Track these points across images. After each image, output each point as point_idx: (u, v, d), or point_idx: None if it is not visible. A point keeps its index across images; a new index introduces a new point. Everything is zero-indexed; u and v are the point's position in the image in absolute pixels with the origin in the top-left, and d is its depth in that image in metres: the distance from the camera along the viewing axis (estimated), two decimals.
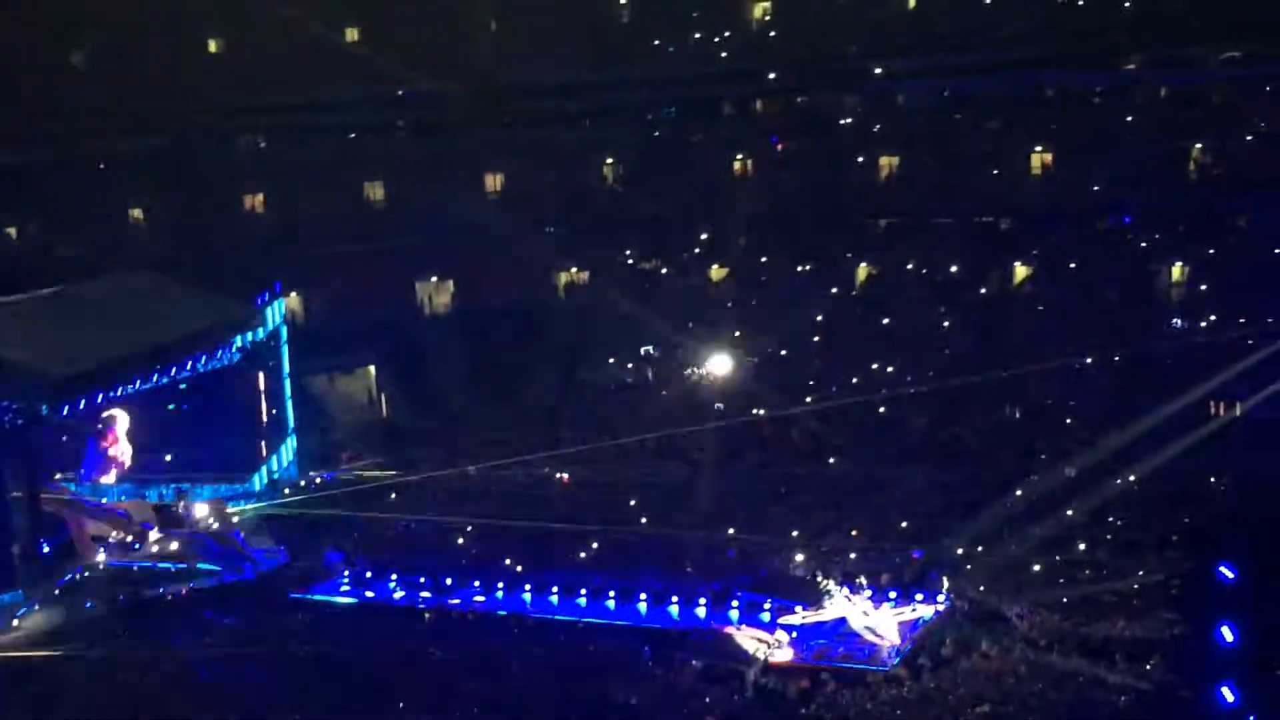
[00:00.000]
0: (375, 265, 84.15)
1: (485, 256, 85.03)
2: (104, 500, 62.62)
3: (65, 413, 58.79)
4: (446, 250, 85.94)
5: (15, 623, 53.51)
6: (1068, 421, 68.02)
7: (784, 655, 49.19)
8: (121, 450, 64.17)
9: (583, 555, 57.67)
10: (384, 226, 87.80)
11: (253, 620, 54.22)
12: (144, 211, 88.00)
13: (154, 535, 60.06)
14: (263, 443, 66.11)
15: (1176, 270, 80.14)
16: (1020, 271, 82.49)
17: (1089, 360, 72.86)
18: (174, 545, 59.49)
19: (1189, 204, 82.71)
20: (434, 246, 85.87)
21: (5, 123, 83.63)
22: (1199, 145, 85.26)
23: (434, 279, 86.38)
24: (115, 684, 49.12)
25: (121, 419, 63.57)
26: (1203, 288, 78.17)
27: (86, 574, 57.46)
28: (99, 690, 48.72)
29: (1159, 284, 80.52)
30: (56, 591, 55.72)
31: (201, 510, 61.74)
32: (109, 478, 63.97)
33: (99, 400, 58.92)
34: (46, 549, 57.31)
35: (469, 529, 60.58)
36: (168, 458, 64.38)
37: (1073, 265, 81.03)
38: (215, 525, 61.03)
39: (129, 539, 59.94)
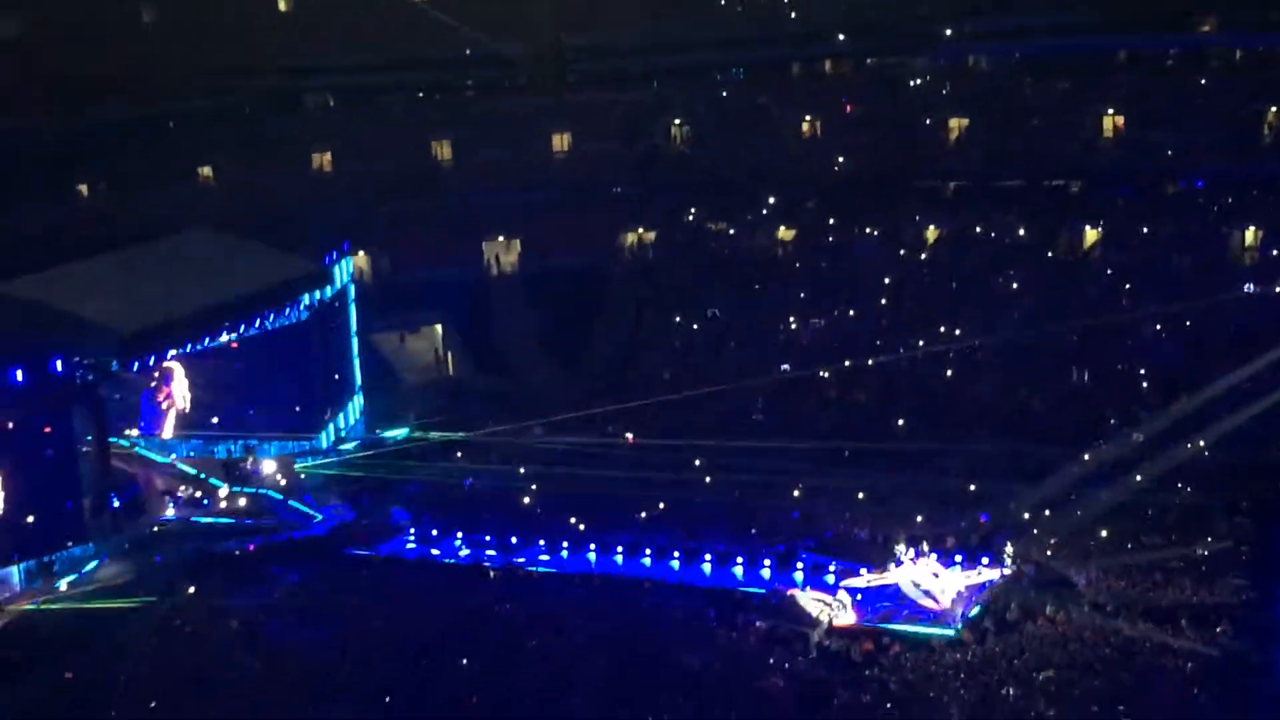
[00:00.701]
0: (443, 224, 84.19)
1: (552, 216, 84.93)
2: (173, 456, 63.09)
3: (134, 369, 59.39)
4: (513, 210, 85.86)
5: (86, 575, 54.03)
6: (1137, 386, 67.43)
7: (848, 618, 49.24)
8: (177, 402, 64.53)
9: (647, 515, 57.63)
10: (451, 186, 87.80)
11: (319, 576, 54.63)
12: (213, 170, 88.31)
13: (222, 491, 60.51)
14: (330, 400, 66.36)
15: (1249, 235, 79.21)
16: (1090, 235, 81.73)
17: (1158, 325, 72.33)
18: (242, 501, 59.94)
19: (1262, 168, 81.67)
20: (501, 206, 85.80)
21: (76, 83, 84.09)
22: (1274, 109, 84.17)
23: (501, 238, 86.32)
24: (182, 637, 49.67)
25: (178, 371, 63.89)
26: (1275, 253, 77.24)
27: (156, 528, 57.93)
28: (167, 642, 49.28)
29: (1230, 249, 79.60)
30: (126, 545, 56.21)
31: (269, 467, 62.18)
32: (166, 429, 64.39)
33: (168, 357, 59.32)
34: (116, 503, 57.88)
35: (534, 488, 60.69)
36: (235, 415, 64.58)
37: (1143, 229, 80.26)
38: (282, 482, 61.45)
39: (198, 494, 60.44)
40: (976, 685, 44.46)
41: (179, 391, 64.43)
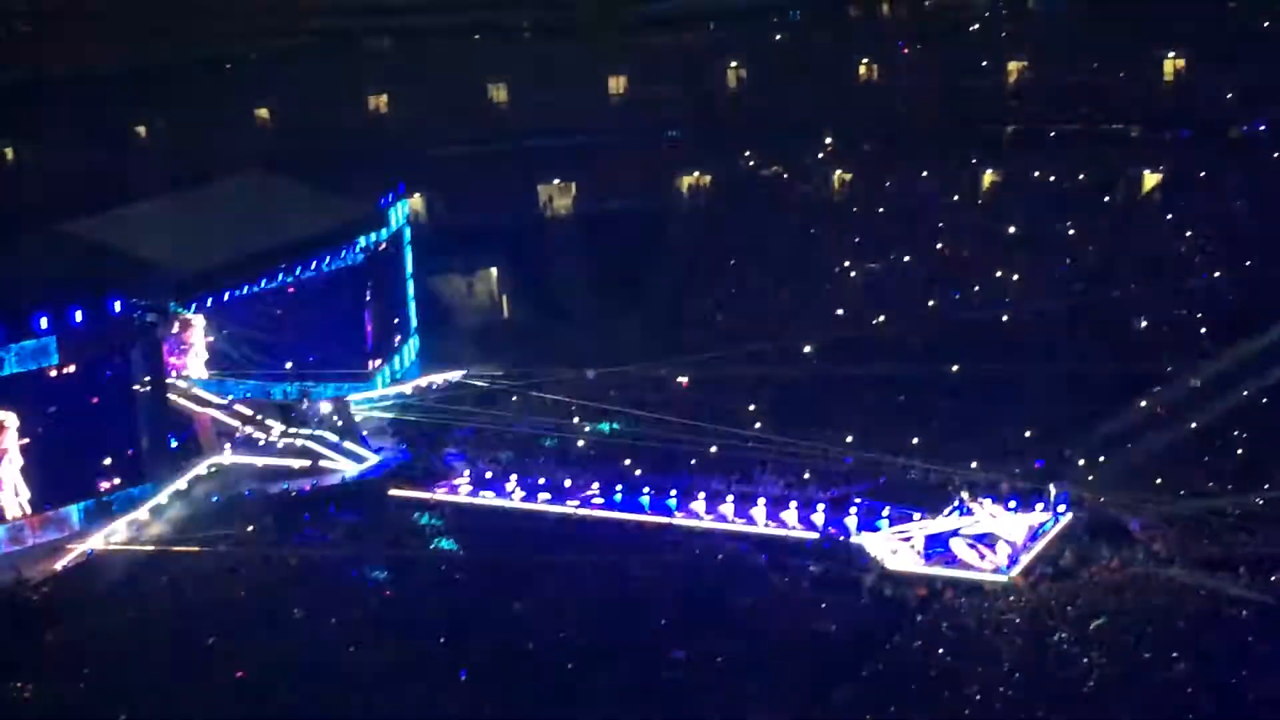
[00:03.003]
0: (498, 167, 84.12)
1: (607, 159, 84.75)
2: (230, 397, 63.42)
3: (193, 310, 59.72)
4: (569, 152, 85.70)
5: (145, 515, 54.49)
6: (1194, 332, 66.95)
7: (902, 562, 49.23)
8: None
9: (701, 460, 57.67)
10: (507, 128, 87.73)
11: (374, 517, 54.94)
12: (270, 112, 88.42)
13: (278, 432, 60.84)
14: (385, 343, 66.53)
15: None
16: (1149, 179, 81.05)
17: (1218, 271, 71.76)
18: (298, 443, 60.23)
19: None
20: (556, 149, 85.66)
21: (133, 25, 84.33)
22: None
23: (556, 181, 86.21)
24: (239, 576, 50.10)
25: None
26: None
27: (213, 469, 58.33)
28: (224, 582, 49.70)
29: None
30: (184, 486, 56.63)
31: (324, 408, 62.41)
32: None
33: (225, 298, 59.60)
34: (174, 444, 58.28)
35: (588, 431, 60.78)
36: (291, 357, 64.77)
37: (1203, 174, 79.52)
38: (338, 423, 61.70)
39: (254, 435, 60.77)
40: (1030, 631, 44.40)
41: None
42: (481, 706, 41.51)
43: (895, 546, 49.73)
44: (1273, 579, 46.57)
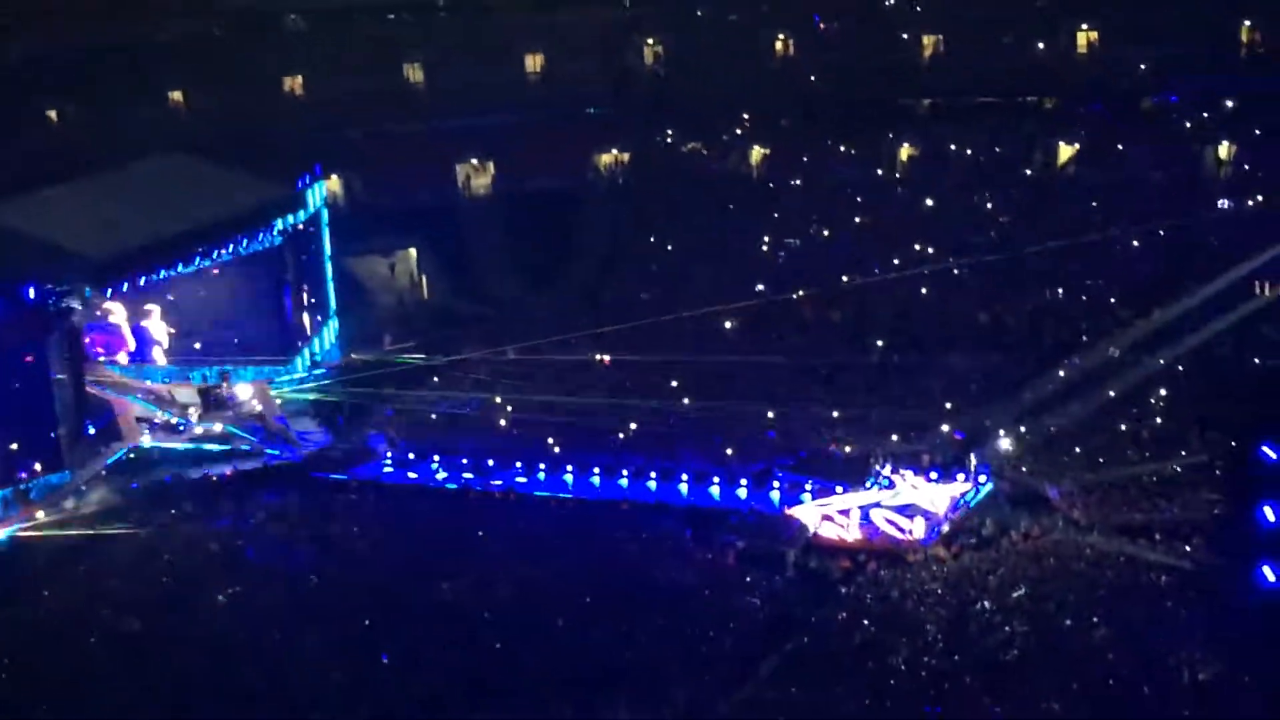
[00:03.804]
0: (415, 147, 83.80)
1: (525, 139, 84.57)
2: (148, 382, 62.90)
3: (108, 295, 59.16)
4: (486, 132, 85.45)
5: (63, 503, 54.04)
6: (1110, 301, 67.53)
7: (825, 535, 49.44)
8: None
9: (623, 436, 57.72)
10: (424, 108, 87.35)
11: (296, 501, 54.74)
12: (183, 95, 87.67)
13: (197, 416, 60.42)
14: (304, 326, 66.20)
15: (1224, 149, 79.16)
16: (1064, 151, 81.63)
17: (1133, 240, 72.40)
18: (218, 427, 59.85)
19: (1236, 83, 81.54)
20: (474, 128, 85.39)
21: (44, 9, 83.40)
22: (1247, 23, 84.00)
23: (474, 161, 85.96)
24: (161, 562, 49.77)
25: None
26: (1247, 167, 77.26)
27: (132, 455, 57.91)
28: (145, 568, 49.37)
29: (1205, 163, 79.56)
30: (103, 472, 56.19)
31: (245, 392, 62.02)
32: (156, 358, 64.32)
33: (140, 283, 59.06)
34: (92, 430, 57.80)
35: (510, 410, 60.75)
36: (210, 341, 64.35)
37: (1118, 145, 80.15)
38: (258, 407, 61.36)
39: (173, 420, 60.35)
40: (953, 601, 44.72)
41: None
42: (408, 688, 41.36)
43: (818, 520, 49.88)
44: (1190, 545, 47.08)
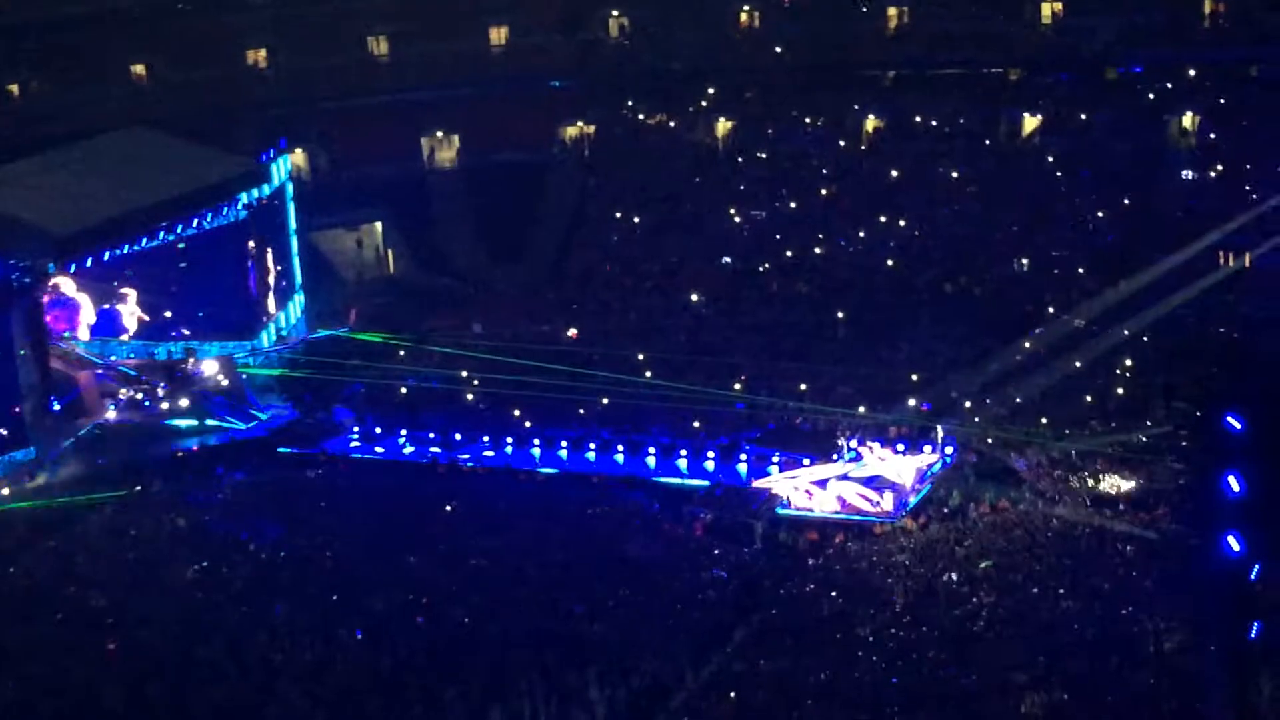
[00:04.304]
0: (380, 120, 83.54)
1: (490, 111, 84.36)
2: (113, 358, 62.72)
3: (71, 270, 58.90)
4: (451, 104, 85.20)
5: (28, 479, 53.86)
6: (1076, 272, 67.75)
7: (792, 507, 49.57)
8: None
9: (591, 410, 57.74)
10: (388, 81, 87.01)
11: (262, 475, 54.65)
12: (146, 68, 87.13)
13: (163, 392, 60.24)
14: (270, 300, 66.01)
15: (1187, 120, 79.34)
16: (1029, 122, 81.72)
17: (1097, 211, 72.61)
18: (184, 402, 59.70)
19: (1201, 54, 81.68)
20: (439, 101, 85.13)
21: None
22: None
23: (439, 134, 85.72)
24: (127, 538, 49.65)
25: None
26: (1212, 137, 77.47)
27: (97, 431, 57.74)
28: (111, 544, 49.24)
29: (1168, 135, 79.73)
30: (68, 448, 56.00)
31: (210, 367, 61.89)
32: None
33: (104, 257, 58.79)
34: (57, 406, 57.58)
35: (477, 384, 60.72)
36: (175, 316, 64.14)
37: (1082, 116, 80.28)
38: (224, 382, 61.21)
39: (139, 396, 60.17)
40: (920, 573, 44.89)
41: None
42: (379, 661, 41.34)
43: (785, 492, 50.00)
44: (1156, 514, 47.36)
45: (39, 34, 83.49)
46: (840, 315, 65.50)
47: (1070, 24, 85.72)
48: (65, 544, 49.25)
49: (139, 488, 53.24)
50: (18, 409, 55.09)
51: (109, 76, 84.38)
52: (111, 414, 59.02)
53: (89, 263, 58.66)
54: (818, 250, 72.34)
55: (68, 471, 54.68)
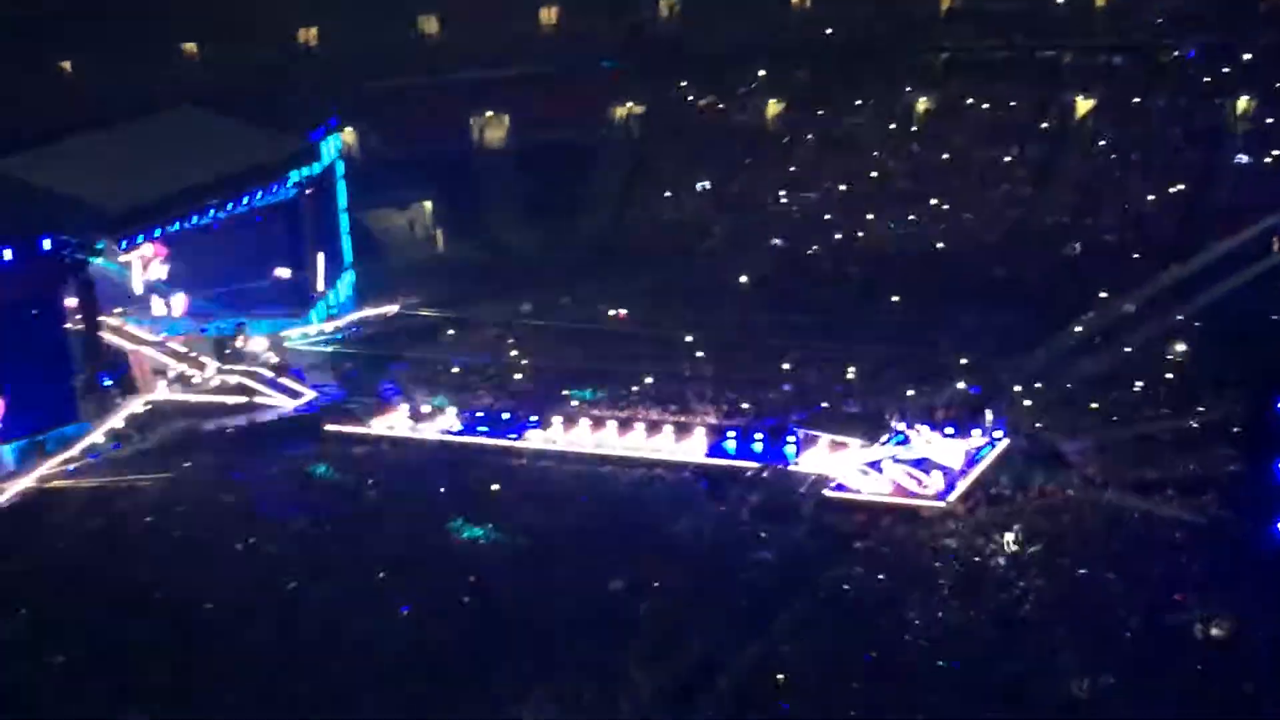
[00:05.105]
0: (430, 100, 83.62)
1: (540, 91, 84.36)
2: (164, 334, 63.01)
3: (124, 247, 59.20)
4: (501, 84, 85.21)
5: (78, 453, 54.19)
6: (1127, 257, 67.38)
7: (839, 489, 49.45)
8: None
9: (638, 390, 57.73)
10: (438, 60, 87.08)
11: (310, 452, 54.81)
12: (198, 46, 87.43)
13: (213, 369, 60.51)
14: (320, 278, 66.19)
15: (1242, 103, 78.76)
16: (1083, 105, 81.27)
17: (1150, 194, 72.19)
18: (233, 379, 59.93)
19: (1256, 37, 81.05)
20: (488, 80, 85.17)
21: None
22: None
23: (488, 113, 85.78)
24: (175, 514, 49.92)
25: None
26: (1269, 121, 76.89)
27: (148, 407, 58.04)
28: (160, 519, 49.53)
29: (1223, 118, 79.17)
30: (119, 424, 56.32)
31: (260, 344, 62.11)
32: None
33: (156, 235, 59.09)
34: (108, 382, 57.92)
35: (525, 363, 60.76)
36: (225, 293, 64.41)
37: (1135, 99, 79.80)
38: (273, 359, 61.45)
39: (188, 372, 60.43)
40: (967, 556, 44.74)
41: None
42: (423, 640, 41.45)
43: (833, 473, 49.88)
44: (1204, 500, 47.07)
45: (91, 12, 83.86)
46: (890, 297, 65.26)
47: (1124, 6, 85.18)
48: (115, 519, 49.52)
49: (188, 464, 53.45)
50: (70, 384, 55.51)
51: (161, 55, 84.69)
52: (162, 391, 59.29)
53: (140, 240, 59.00)
54: (867, 232, 72.13)
55: (118, 447, 54.94)
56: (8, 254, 52.43)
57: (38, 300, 54.31)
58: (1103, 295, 62.91)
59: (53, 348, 54.97)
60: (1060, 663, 38.74)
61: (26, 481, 52.34)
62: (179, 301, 63.98)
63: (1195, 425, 52.21)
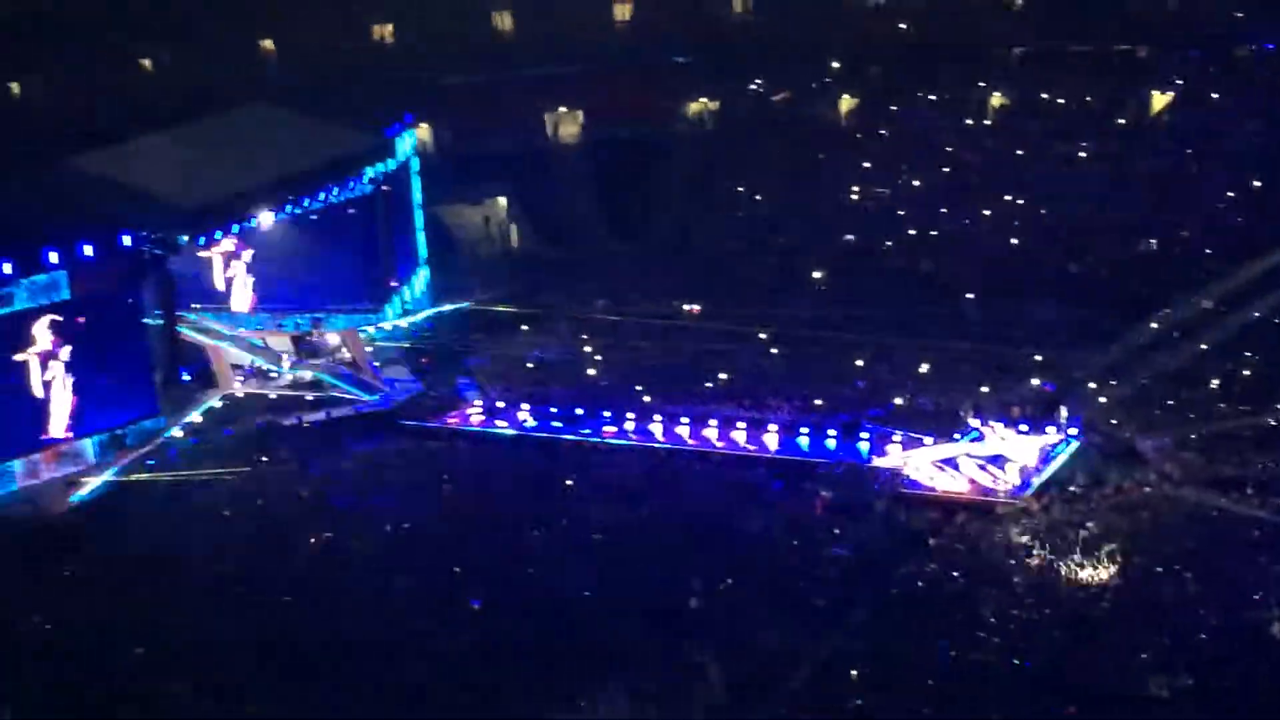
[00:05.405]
0: (505, 96, 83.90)
1: (613, 86, 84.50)
2: (241, 330, 63.46)
3: (201, 243, 59.70)
4: (575, 80, 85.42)
5: (158, 448, 54.72)
6: (1203, 253, 66.93)
7: (914, 486, 49.40)
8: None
9: (712, 386, 57.79)
10: (513, 57, 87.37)
11: (387, 447, 55.13)
12: (275, 43, 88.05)
13: (289, 364, 60.96)
14: (395, 274, 66.52)
15: None
16: (1158, 100, 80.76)
17: (1227, 191, 71.67)
18: (309, 374, 60.37)
19: None
20: (562, 76, 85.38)
21: None
22: None
23: (563, 109, 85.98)
24: (252, 509, 50.38)
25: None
26: None
27: (225, 401, 58.54)
28: (237, 514, 50.00)
29: None
30: (197, 418, 56.85)
31: (336, 340, 62.51)
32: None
33: (233, 230, 59.59)
34: (187, 377, 58.47)
35: (599, 360, 60.95)
36: (302, 289, 64.72)
37: (1212, 94, 79.22)
38: (349, 355, 61.83)
39: (266, 367, 60.92)
40: (1043, 553, 44.60)
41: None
42: (494, 635, 41.67)
43: (907, 470, 49.83)
44: None
45: (169, 9, 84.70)
46: (964, 294, 65.06)
47: (1201, 1, 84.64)
48: (193, 513, 50.01)
49: (264, 459, 53.93)
50: (149, 378, 56.11)
51: (237, 51, 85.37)
52: (239, 385, 59.79)
53: (218, 236, 59.52)
54: (941, 229, 71.91)
55: (197, 441, 55.48)
56: (89, 250, 52.94)
57: (118, 295, 54.83)
58: (1178, 291, 62.47)
59: (132, 342, 55.48)
60: (1136, 663, 38.63)
61: (106, 475, 52.93)
62: (254, 297, 64.36)
63: (1273, 422, 51.86)
